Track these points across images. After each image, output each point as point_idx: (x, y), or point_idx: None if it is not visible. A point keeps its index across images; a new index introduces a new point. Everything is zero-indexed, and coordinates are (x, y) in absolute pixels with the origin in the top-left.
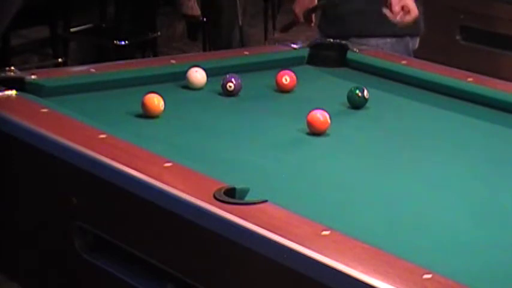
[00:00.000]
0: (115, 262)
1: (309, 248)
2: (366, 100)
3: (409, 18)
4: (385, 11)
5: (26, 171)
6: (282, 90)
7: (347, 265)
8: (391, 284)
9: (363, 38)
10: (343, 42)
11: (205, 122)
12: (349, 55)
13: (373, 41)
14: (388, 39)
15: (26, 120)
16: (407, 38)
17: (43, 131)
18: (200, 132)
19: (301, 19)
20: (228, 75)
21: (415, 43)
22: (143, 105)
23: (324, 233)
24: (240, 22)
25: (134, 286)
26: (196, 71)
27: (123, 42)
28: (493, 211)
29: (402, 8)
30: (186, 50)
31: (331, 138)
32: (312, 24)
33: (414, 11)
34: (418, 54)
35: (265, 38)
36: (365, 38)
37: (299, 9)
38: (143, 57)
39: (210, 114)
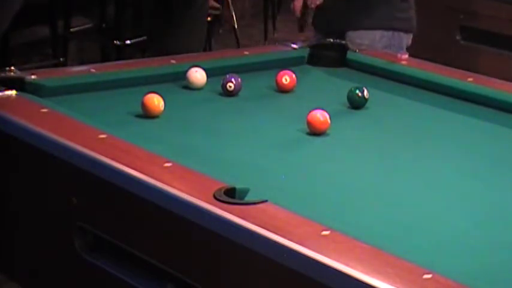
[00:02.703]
0: (115, 262)
1: (309, 248)
2: (366, 100)
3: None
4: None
5: (26, 171)
6: (282, 90)
7: (347, 265)
8: (391, 284)
9: (360, 31)
10: (343, 42)
11: (205, 122)
12: (349, 55)
13: (370, 34)
14: (385, 33)
15: (26, 120)
16: (402, 33)
17: (43, 131)
18: (200, 132)
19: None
20: (228, 75)
21: (408, 40)
22: (143, 105)
23: (324, 233)
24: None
25: (134, 286)
26: (196, 71)
27: (123, 42)
28: (493, 211)
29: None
30: None
31: (331, 138)
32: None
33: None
34: (418, 54)
35: (265, 38)
36: (362, 30)
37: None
38: (143, 57)
39: (210, 114)
